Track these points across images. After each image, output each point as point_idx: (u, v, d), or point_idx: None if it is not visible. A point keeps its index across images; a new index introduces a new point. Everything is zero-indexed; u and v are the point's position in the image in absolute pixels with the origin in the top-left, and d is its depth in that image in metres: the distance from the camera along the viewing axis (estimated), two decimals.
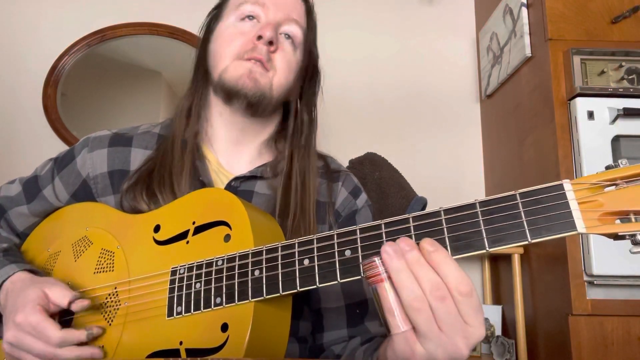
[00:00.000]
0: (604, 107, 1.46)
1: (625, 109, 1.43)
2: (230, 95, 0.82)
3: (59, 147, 1.97)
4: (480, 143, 2.17)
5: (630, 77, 1.51)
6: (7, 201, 0.88)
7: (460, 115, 2.19)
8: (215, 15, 0.91)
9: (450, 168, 2.13)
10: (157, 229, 0.73)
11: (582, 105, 1.47)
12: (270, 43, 0.82)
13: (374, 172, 1.14)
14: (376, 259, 0.50)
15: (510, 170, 1.88)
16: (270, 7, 0.84)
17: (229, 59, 0.82)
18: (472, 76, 2.22)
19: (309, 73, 0.92)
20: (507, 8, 1.85)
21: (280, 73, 0.84)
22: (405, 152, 2.08)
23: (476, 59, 2.22)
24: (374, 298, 0.51)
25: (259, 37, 0.81)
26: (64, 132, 2.01)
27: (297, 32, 0.86)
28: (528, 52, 1.70)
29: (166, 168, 0.81)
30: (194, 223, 0.68)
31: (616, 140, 1.45)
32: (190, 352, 0.60)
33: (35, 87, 2.02)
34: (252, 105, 0.83)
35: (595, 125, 1.45)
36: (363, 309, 0.83)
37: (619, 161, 0.48)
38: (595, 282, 1.38)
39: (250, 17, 0.84)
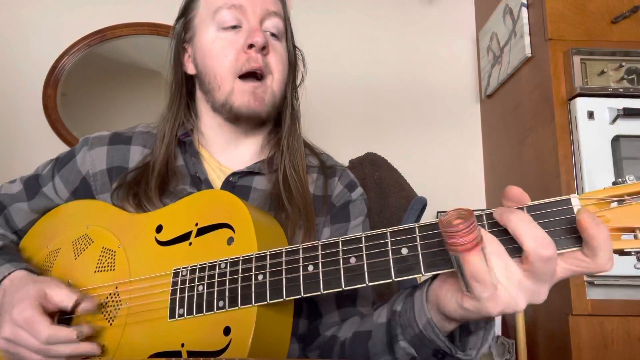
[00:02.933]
0: (604, 107, 1.46)
1: (625, 109, 1.43)
2: (239, 117, 0.84)
3: (59, 147, 1.97)
4: (480, 143, 2.17)
5: (630, 77, 1.51)
6: (7, 198, 0.89)
7: (460, 115, 2.19)
8: (186, 24, 0.90)
9: (450, 168, 2.13)
10: (159, 229, 0.73)
11: (582, 105, 1.47)
12: (263, 48, 0.82)
13: (374, 172, 1.14)
14: (466, 223, 0.44)
15: (510, 170, 1.88)
16: (247, 7, 0.84)
17: (230, 77, 0.82)
18: (472, 76, 2.22)
19: (294, 59, 0.93)
20: (507, 8, 1.85)
21: (277, 74, 0.85)
22: (405, 152, 2.08)
23: (476, 59, 2.22)
24: (457, 265, 0.47)
25: (251, 46, 0.81)
26: (64, 132, 2.01)
27: (278, 23, 0.87)
28: (528, 52, 1.70)
29: (151, 182, 0.82)
30: (196, 224, 0.68)
31: (616, 140, 1.45)
32: (192, 354, 0.60)
33: (35, 87, 2.02)
34: (262, 120, 0.86)
35: (595, 125, 1.45)
36: (352, 291, 0.81)
37: (627, 177, 0.48)
38: (595, 282, 1.38)
39: (233, 26, 0.84)
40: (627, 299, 1.38)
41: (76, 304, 0.69)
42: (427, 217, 1.97)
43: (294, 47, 0.94)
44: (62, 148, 1.80)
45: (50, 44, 2.05)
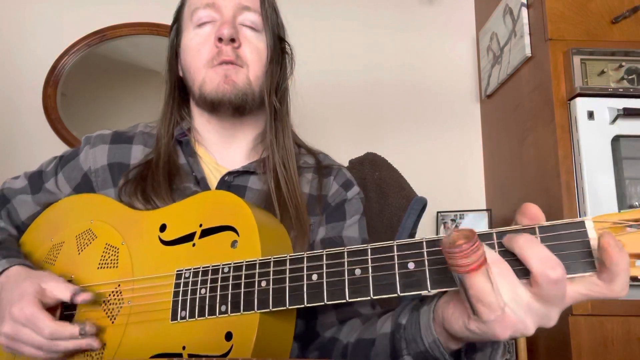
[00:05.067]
0: (604, 107, 1.46)
1: (625, 109, 1.43)
2: (214, 105, 0.84)
3: (59, 147, 1.97)
4: (480, 143, 2.17)
5: (630, 77, 1.51)
6: (10, 192, 0.90)
7: (460, 115, 2.19)
8: (177, 29, 0.92)
9: (450, 168, 2.13)
10: (163, 228, 0.72)
11: (582, 105, 1.47)
12: (232, 40, 0.82)
13: (374, 172, 1.13)
14: (469, 243, 0.42)
15: (510, 170, 1.88)
16: (220, 4, 0.84)
17: (203, 69, 0.83)
18: (472, 76, 2.22)
19: (277, 53, 0.90)
20: (507, 8, 1.85)
21: (253, 65, 0.84)
22: (405, 152, 2.08)
23: (476, 59, 2.22)
24: (462, 286, 0.45)
25: (220, 39, 0.81)
26: (64, 132, 2.01)
27: (253, 17, 0.86)
28: (528, 52, 1.70)
29: (157, 177, 0.82)
30: (200, 225, 0.68)
31: (616, 140, 1.45)
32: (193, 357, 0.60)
33: (35, 87, 2.02)
34: (238, 108, 0.84)
35: (595, 125, 1.45)
36: None
37: None
38: None
39: (207, 22, 0.85)
40: (627, 299, 1.38)
41: (72, 295, 0.69)
42: (427, 217, 1.98)
43: (282, 40, 0.92)
44: (62, 148, 1.79)
45: (50, 44, 2.05)
